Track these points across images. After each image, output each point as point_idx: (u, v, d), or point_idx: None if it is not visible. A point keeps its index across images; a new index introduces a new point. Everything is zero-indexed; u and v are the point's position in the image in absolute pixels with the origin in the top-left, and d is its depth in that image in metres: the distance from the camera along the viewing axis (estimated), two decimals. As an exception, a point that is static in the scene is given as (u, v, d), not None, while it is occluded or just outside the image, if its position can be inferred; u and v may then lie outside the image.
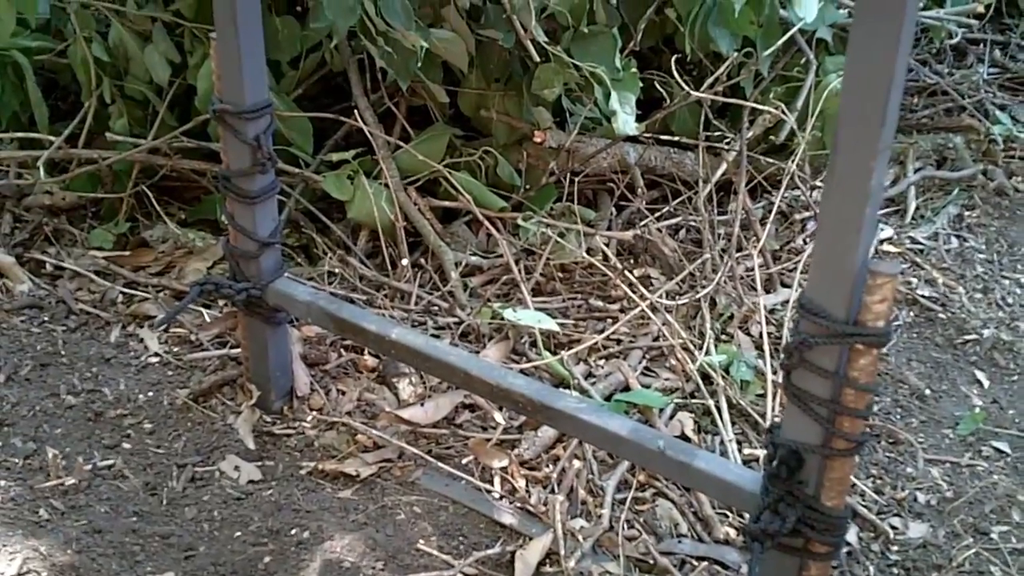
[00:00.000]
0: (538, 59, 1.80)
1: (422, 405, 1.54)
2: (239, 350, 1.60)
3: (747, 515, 1.25)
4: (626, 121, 1.80)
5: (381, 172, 1.88)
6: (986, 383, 1.75)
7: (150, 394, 1.57)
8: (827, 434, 0.96)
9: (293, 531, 1.32)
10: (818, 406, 0.95)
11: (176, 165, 1.95)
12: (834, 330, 0.92)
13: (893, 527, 1.40)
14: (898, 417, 1.65)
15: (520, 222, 1.92)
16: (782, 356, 0.97)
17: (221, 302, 1.78)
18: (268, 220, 1.42)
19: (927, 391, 1.71)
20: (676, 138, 2.05)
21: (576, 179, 2.01)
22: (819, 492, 0.98)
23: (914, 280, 2.03)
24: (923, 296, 1.97)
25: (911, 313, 1.93)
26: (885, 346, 0.92)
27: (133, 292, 1.81)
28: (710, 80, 1.93)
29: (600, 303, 1.85)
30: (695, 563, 1.31)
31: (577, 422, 1.20)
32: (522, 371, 1.51)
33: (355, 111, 1.90)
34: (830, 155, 0.89)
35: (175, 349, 1.68)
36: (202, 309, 1.77)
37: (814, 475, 0.98)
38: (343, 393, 1.60)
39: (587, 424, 1.19)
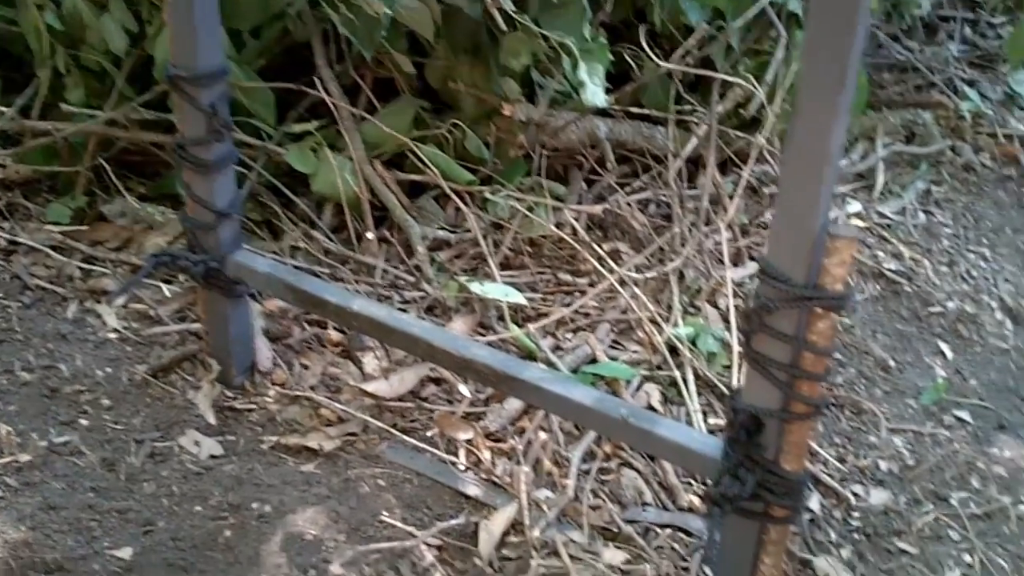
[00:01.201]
0: (506, 29, 1.77)
1: (387, 379, 1.52)
2: (199, 325, 1.57)
3: (710, 482, 1.25)
4: (595, 92, 1.78)
5: (346, 145, 1.85)
6: (949, 354, 1.77)
7: (108, 370, 1.54)
8: (786, 398, 0.95)
9: (254, 505, 1.30)
10: (777, 370, 0.95)
11: (134, 137, 1.90)
12: (793, 294, 0.91)
13: (855, 494, 1.41)
14: (862, 388, 1.66)
15: (489, 196, 1.90)
16: (741, 321, 0.97)
17: (182, 277, 1.74)
18: (226, 190, 1.38)
19: (891, 362, 1.73)
20: (647, 112, 2.04)
21: (546, 153, 1.99)
22: (778, 456, 0.98)
23: (881, 254, 2.04)
24: (889, 270, 1.98)
25: (877, 286, 1.94)
26: (843, 310, 0.92)
27: (91, 267, 1.77)
28: (680, 51, 1.91)
29: (569, 277, 1.84)
30: (659, 531, 1.31)
31: (541, 392, 1.19)
32: (489, 344, 1.50)
33: (319, 82, 1.86)
34: (791, 118, 0.88)
35: (134, 324, 1.65)
36: (161, 284, 1.73)
37: (773, 439, 0.98)
38: (306, 367, 1.58)
39: (551, 394, 1.18)
